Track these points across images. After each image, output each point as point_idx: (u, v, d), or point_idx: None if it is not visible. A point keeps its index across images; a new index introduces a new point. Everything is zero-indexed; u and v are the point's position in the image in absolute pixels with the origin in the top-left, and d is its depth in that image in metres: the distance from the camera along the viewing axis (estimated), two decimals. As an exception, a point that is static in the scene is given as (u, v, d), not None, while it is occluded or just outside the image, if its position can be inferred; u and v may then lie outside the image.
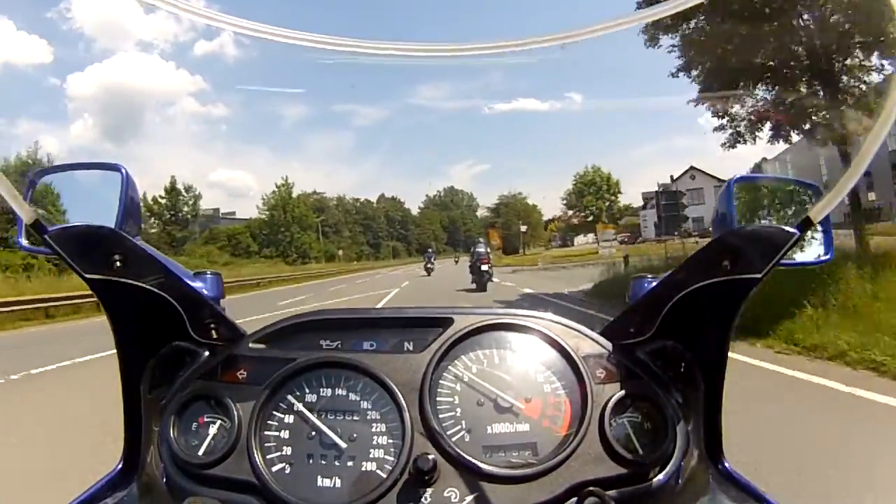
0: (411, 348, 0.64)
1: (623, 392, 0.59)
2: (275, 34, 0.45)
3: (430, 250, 25.34)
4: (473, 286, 13.99)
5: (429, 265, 22.87)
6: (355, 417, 0.59)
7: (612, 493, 0.52)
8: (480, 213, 77.91)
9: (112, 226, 0.57)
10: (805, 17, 8.57)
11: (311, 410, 0.60)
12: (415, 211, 79.59)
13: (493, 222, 65.16)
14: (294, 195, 52.22)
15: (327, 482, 0.56)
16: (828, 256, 0.60)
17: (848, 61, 8.55)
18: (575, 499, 0.53)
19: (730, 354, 0.60)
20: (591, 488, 0.52)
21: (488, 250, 14.51)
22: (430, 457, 0.53)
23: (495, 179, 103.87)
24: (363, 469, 0.56)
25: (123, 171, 0.61)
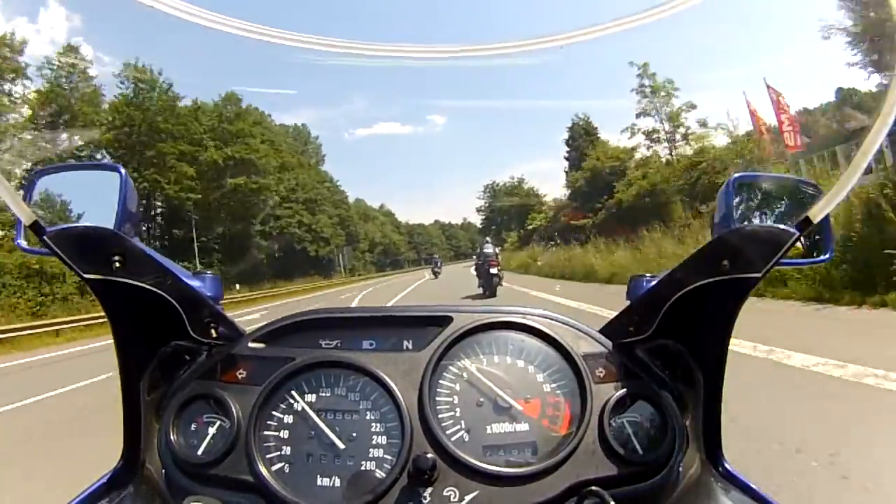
0: (411, 347, 0.64)
1: (622, 391, 0.59)
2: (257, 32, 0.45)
3: (435, 257, 28.73)
4: (480, 291, 12.22)
5: (436, 269, 26.38)
6: (354, 417, 0.59)
7: (611, 492, 0.52)
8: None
9: (111, 226, 0.57)
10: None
11: (310, 410, 0.59)
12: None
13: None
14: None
15: (326, 482, 0.56)
16: (827, 256, 0.60)
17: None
18: (574, 498, 0.53)
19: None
20: (590, 488, 0.52)
21: (497, 251, 12.62)
22: (430, 456, 0.53)
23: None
24: (362, 468, 0.56)
25: (122, 172, 0.61)
